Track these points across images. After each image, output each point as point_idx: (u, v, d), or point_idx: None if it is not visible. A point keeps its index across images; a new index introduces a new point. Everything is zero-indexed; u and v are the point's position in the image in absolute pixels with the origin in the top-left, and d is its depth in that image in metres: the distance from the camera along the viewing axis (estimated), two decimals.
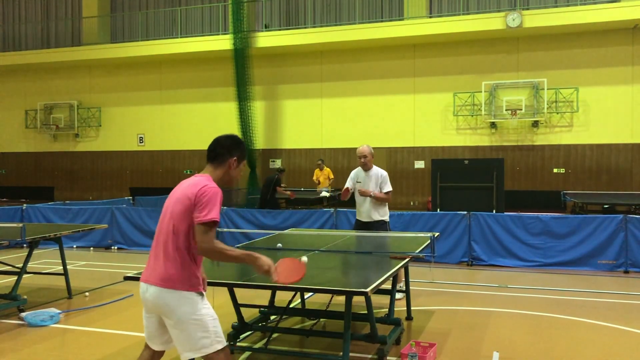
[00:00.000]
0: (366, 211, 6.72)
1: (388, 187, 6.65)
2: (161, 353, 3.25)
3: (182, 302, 2.97)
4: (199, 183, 3.04)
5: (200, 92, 19.90)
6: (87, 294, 7.10)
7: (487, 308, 6.36)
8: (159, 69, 20.48)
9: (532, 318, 5.95)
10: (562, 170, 16.50)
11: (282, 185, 13.33)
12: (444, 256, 9.09)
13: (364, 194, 6.62)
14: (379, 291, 4.37)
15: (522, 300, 6.73)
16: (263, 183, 13.62)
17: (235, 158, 3.21)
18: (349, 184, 6.84)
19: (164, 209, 3.16)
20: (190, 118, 19.99)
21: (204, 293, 3.11)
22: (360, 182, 6.74)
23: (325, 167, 15.69)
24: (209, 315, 3.02)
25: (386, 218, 6.77)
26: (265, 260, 3.07)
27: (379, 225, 6.66)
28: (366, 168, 6.71)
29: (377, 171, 6.71)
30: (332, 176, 15.52)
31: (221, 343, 3.02)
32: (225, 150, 3.19)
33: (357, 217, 6.91)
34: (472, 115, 17.03)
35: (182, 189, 3.10)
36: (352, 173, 6.88)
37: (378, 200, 6.64)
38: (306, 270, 3.24)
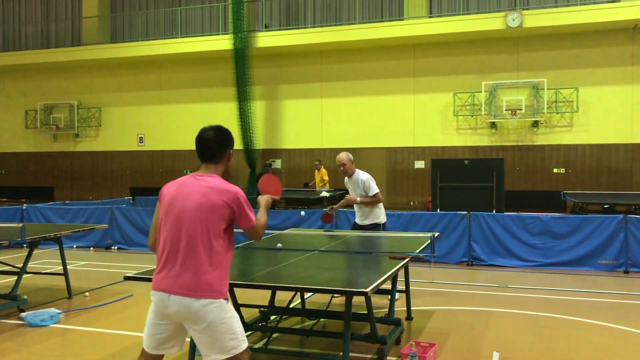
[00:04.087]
0: (359, 215, 6.88)
1: (373, 190, 6.67)
2: (161, 357, 3.19)
3: (212, 308, 2.92)
4: (225, 187, 3.02)
5: (200, 92, 19.90)
6: (87, 294, 7.10)
7: (487, 308, 6.35)
8: (159, 69, 20.49)
9: (532, 318, 5.95)
10: (562, 170, 16.50)
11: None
12: (444, 256, 9.08)
13: (349, 201, 6.74)
14: (379, 291, 4.37)
15: (522, 300, 6.73)
16: (257, 181, 13.65)
17: (231, 150, 3.22)
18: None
19: (174, 213, 3.01)
20: (190, 118, 19.97)
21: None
22: (349, 187, 6.89)
23: (322, 169, 15.68)
24: (234, 317, 3.01)
25: (379, 221, 6.80)
26: (267, 199, 3.49)
27: (372, 228, 6.74)
28: (347, 174, 6.80)
29: (359, 176, 6.76)
30: (326, 177, 15.46)
31: (246, 342, 3.03)
32: (222, 147, 3.16)
33: (355, 219, 7.04)
34: (472, 115, 17.03)
35: (205, 194, 2.98)
36: (345, 179, 6.97)
37: (365, 205, 6.71)
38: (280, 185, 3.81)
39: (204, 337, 2.95)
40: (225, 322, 2.94)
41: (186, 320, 2.96)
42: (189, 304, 2.90)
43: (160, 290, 2.98)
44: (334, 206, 7.18)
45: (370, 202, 6.67)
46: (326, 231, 7.48)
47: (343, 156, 6.77)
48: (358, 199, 6.66)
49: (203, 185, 3.02)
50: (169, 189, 3.12)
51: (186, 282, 2.92)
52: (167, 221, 3.03)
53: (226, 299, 3.01)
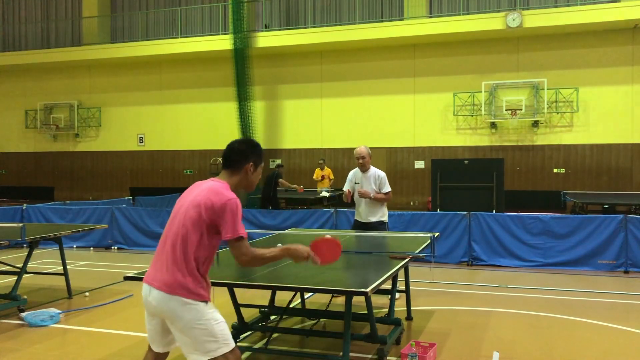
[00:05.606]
0: (364, 212, 6.73)
1: (387, 188, 6.64)
2: (166, 354, 3.21)
3: (187, 309, 2.90)
4: (219, 192, 2.95)
5: (200, 92, 19.90)
6: (87, 294, 7.10)
7: (487, 308, 6.36)
8: (159, 69, 20.49)
9: (532, 318, 5.95)
10: (562, 170, 16.50)
11: (282, 180, 13.49)
12: (444, 256, 9.08)
13: (363, 195, 6.60)
14: (379, 291, 4.37)
15: (522, 300, 6.73)
16: (264, 181, 13.65)
17: (251, 163, 3.14)
18: (347, 186, 6.84)
19: (175, 211, 3.07)
20: (190, 118, 19.99)
21: (209, 300, 3.03)
22: (358, 183, 6.72)
23: (326, 167, 15.71)
24: (214, 319, 2.95)
25: (384, 219, 6.76)
26: (301, 249, 3.11)
27: (377, 226, 6.66)
28: (364, 169, 6.69)
29: (375, 172, 6.68)
30: (332, 177, 15.56)
31: (228, 346, 2.97)
32: (240, 157, 3.12)
33: (356, 218, 6.92)
34: (472, 115, 17.03)
35: (198, 193, 3.00)
36: (350, 174, 6.86)
37: (377, 201, 6.64)
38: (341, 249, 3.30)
39: (182, 336, 2.95)
40: (203, 325, 2.90)
41: (164, 316, 2.97)
42: (165, 299, 2.92)
43: (145, 281, 3.04)
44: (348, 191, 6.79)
45: (383, 199, 6.63)
46: (326, 231, 7.47)
47: (363, 149, 6.64)
48: (372, 194, 6.59)
49: (204, 187, 3.03)
50: (186, 189, 3.20)
51: (165, 278, 2.94)
52: (169, 217, 3.13)
53: (205, 301, 2.96)
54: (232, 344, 3.00)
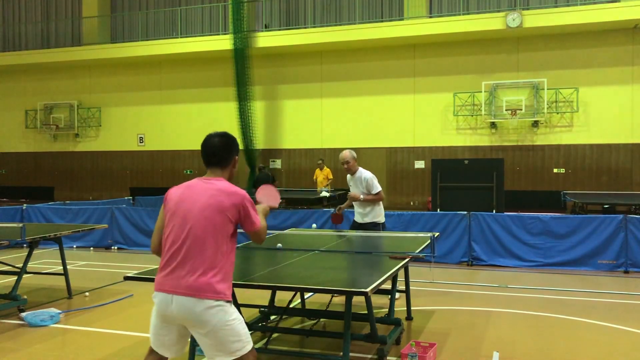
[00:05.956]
0: (359, 213, 6.90)
1: (376, 189, 6.71)
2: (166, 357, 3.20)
3: (215, 311, 2.89)
4: (234, 192, 3.05)
5: (200, 92, 19.90)
6: (87, 294, 7.10)
7: (487, 308, 6.36)
8: (159, 69, 20.48)
9: (532, 318, 5.95)
10: (562, 170, 16.50)
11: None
12: (444, 256, 9.08)
13: (352, 198, 6.76)
14: (379, 291, 4.37)
15: (522, 300, 6.73)
16: (259, 184, 13.71)
17: (236, 156, 3.26)
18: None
19: (183, 212, 3.01)
20: (190, 118, 19.98)
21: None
22: (351, 185, 6.90)
23: (325, 167, 15.72)
24: (238, 319, 2.99)
25: (378, 220, 6.83)
26: (264, 208, 3.50)
27: (371, 227, 6.76)
28: (350, 172, 6.82)
29: (361, 174, 6.77)
30: (331, 176, 15.56)
31: (250, 344, 3.02)
32: (227, 153, 3.18)
33: (354, 218, 7.05)
34: (472, 115, 17.03)
35: (213, 196, 3.00)
36: (348, 177, 6.99)
37: (368, 202, 6.73)
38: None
39: (208, 340, 2.93)
40: (229, 325, 2.92)
41: (189, 322, 2.94)
42: (192, 305, 2.88)
43: (163, 291, 2.96)
44: (341, 206, 7.20)
45: (373, 199, 6.70)
46: (326, 231, 7.47)
47: (346, 154, 6.76)
48: (361, 196, 6.66)
49: (211, 188, 3.04)
50: (175, 192, 3.13)
51: (189, 283, 2.90)
52: (173, 222, 3.04)
53: (229, 301, 2.98)
54: (252, 342, 3.05)
